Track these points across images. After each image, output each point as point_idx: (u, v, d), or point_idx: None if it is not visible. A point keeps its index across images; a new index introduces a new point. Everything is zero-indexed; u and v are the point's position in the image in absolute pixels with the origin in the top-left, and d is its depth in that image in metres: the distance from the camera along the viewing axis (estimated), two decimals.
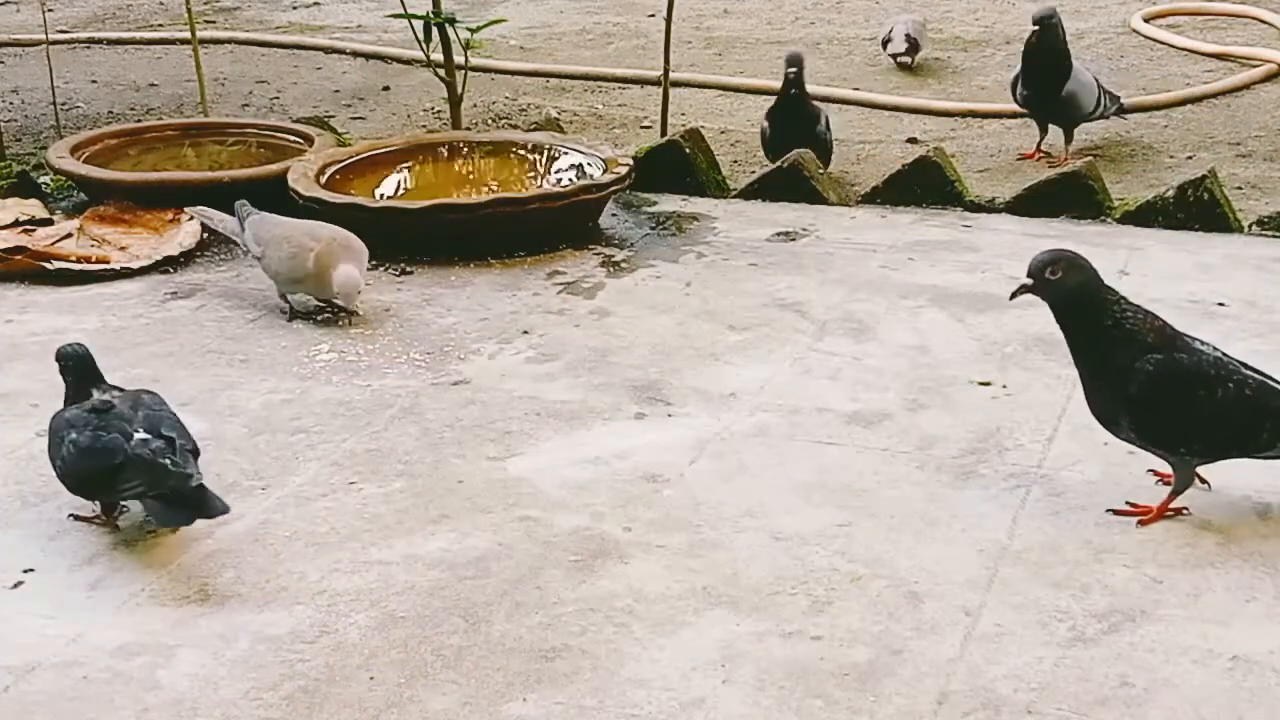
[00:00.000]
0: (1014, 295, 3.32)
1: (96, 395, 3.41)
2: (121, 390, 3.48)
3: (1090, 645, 2.90)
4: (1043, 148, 6.38)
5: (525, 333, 4.47)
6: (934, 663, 2.85)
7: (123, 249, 5.11)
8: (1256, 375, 3.31)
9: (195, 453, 3.35)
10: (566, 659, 2.88)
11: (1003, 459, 3.65)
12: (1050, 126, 6.41)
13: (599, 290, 4.82)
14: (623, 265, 5.04)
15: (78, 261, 5.01)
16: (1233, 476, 3.52)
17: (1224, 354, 3.36)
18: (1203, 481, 3.39)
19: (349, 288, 4.48)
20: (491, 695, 2.78)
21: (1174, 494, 3.33)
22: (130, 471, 3.22)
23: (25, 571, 3.23)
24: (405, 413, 3.95)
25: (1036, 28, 6.22)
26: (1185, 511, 3.34)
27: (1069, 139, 6.35)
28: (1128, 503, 3.39)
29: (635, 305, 4.67)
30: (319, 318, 4.60)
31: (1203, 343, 3.38)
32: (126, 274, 4.98)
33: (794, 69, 5.96)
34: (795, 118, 6.00)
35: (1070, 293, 3.26)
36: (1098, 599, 3.05)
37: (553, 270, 5.00)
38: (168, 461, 3.21)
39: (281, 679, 2.84)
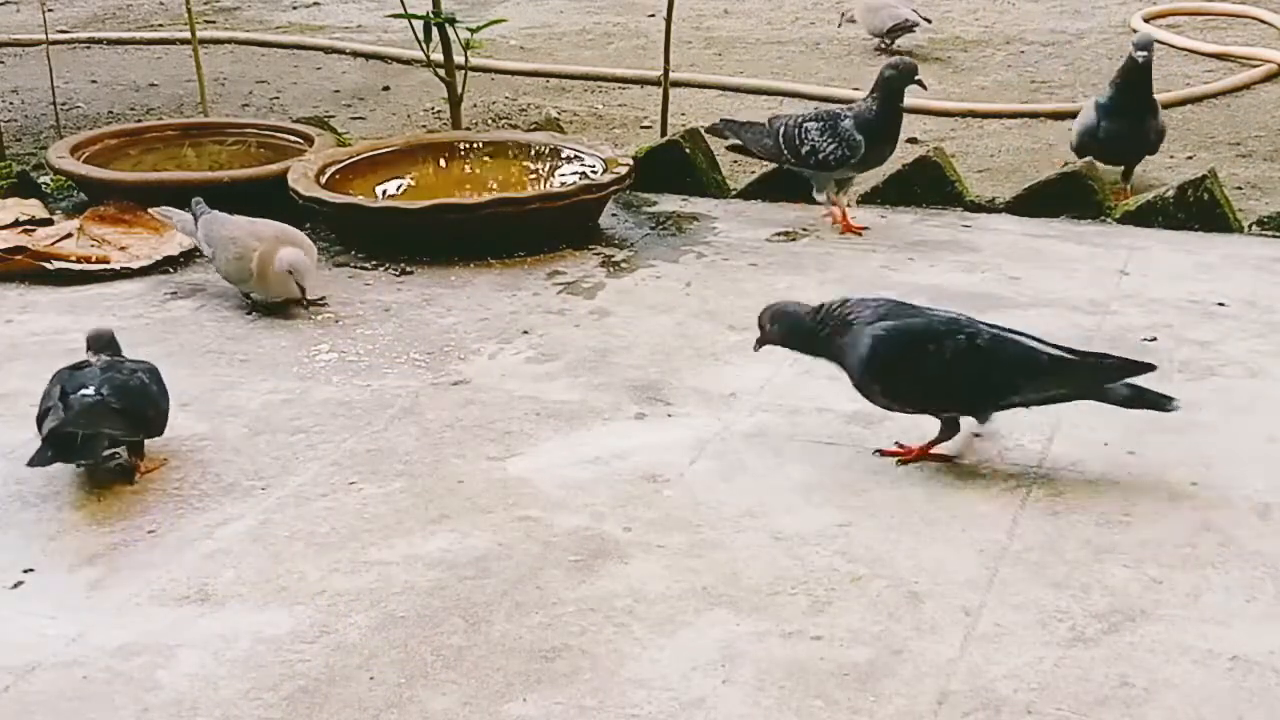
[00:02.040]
0: (756, 347, 3.76)
1: (92, 358, 3.71)
2: (124, 360, 3.72)
3: (1090, 645, 2.90)
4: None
5: (525, 333, 4.48)
6: (934, 663, 2.85)
7: (123, 249, 5.12)
8: (994, 330, 3.53)
9: (130, 413, 3.55)
10: (566, 659, 2.88)
11: (1003, 459, 3.64)
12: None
13: (599, 290, 4.82)
14: (623, 265, 5.04)
15: (78, 261, 5.01)
16: (1233, 476, 3.53)
17: (966, 317, 3.58)
18: (977, 434, 3.64)
19: (294, 265, 4.50)
20: (491, 695, 2.78)
21: (936, 441, 3.58)
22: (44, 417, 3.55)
23: (25, 571, 3.23)
24: (405, 413, 3.95)
25: (1144, 53, 5.72)
26: (958, 459, 3.58)
27: (1130, 175, 5.93)
28: (896, 443, 3.64)
29: (635, 305, 4.67)
30: (318, 318, 4.60)
31: (946, 311, 3.62)
32: (126, 274, 4.99)
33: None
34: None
35: (784, 335, 3.67)
36: (1098, 599, 3.05)
37: (553, 270, 5.00)
38: (61, 407, 3.48)
39: (281, 679, 2.84)
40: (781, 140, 5.31)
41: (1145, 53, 5.67)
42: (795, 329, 3.63)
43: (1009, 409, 3.59)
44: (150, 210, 5.19)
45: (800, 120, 5.30)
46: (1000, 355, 3.49)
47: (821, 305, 3.62)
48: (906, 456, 3.60)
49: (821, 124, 5.24)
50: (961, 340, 3.48)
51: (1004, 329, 3.57)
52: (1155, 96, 5.91)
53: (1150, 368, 3.52)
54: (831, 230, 5.32)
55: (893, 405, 3.60)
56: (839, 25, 8.74)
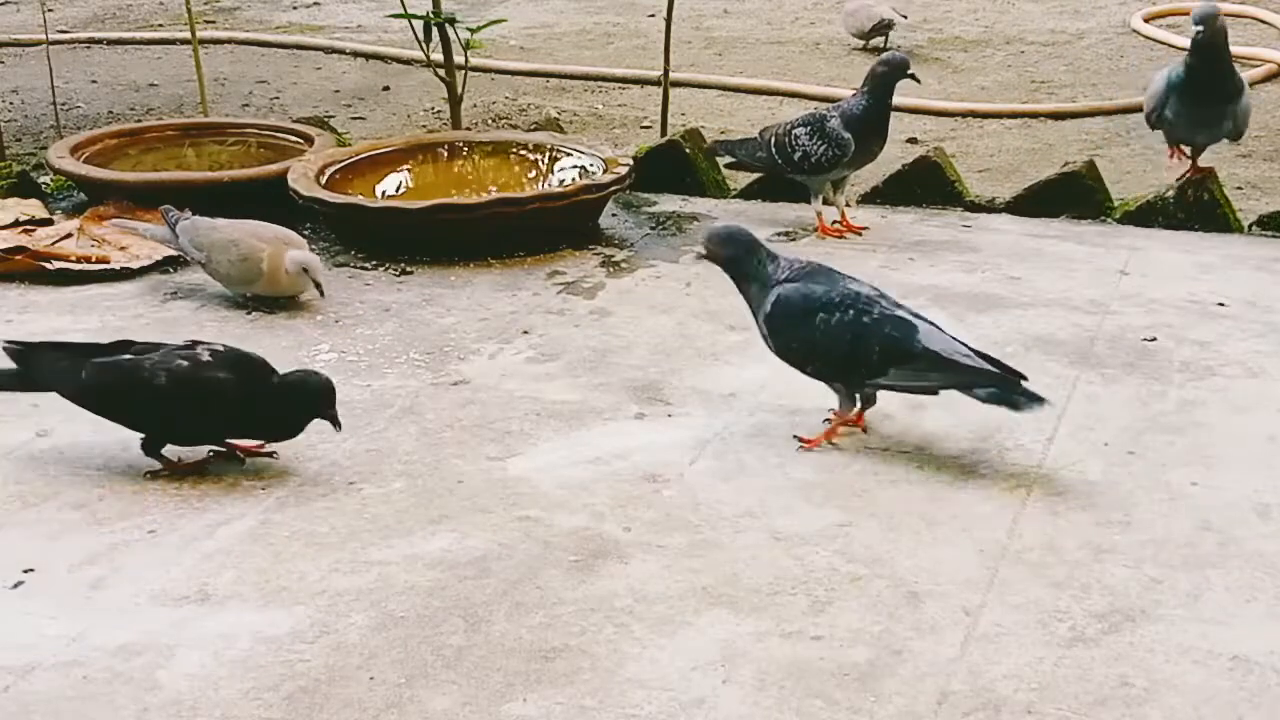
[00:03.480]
0: (699, 258, 3.86)
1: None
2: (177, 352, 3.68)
3: (1090, 645, 2.90)
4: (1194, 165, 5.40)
5: (525, 333, 4.48)
6: (934, 663, 2.85)
7: (123, 249, 5.11)
8: (890, 313, 3.64)
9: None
10: (566, 659, 2.88)
11: (1003, 459, 3.64)
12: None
13: (599, 290, 4.82)
14: (623, 265, 5.04)
15: (78, 261, 5.01)
16: (1233, 476, 3.53)
17: (875, 295, 3.69)
18: (860, 416, 3.77)
19: (308, 264, 4.57)
20: (491, 695, 2.78)
21: (838, 422, 3.73)
22: None
23: (25, 571, 3.23)
24: (405, 413, 3.95)
25: (1201, 28, 5.07)
26: (864, 431, 3.74)
27: (1198, 154, 5.44)
28: (795, 435, 3.74)
29: (635, 305, 4.67)
30: (318, 318, 4.60)
31: (860, 283, 3.73)
32: (126, 274, 4.99)
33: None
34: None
35: (726, 260, 3.79)
36: (1098, 599, 3.05)
37: (553, 270, 5.00)
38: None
39: (281, 679, 2.84)
40: (774, 150, 5.30)
41: (1202, 27, 5.06)
42: (737, 261, 3.78)
43: (886, 389, 3.70)
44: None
45: (789, 127, 5.29)
46: (876, 336, 3.61)
47: (761, 253, 3.75)
48: (809, 444, 3.71)
49: (809, 128, 5.23)
50: (849, 315, 3.63)
51: (909, 314, 3.67)
52: (1238, 76, 5.28)
53: (1021, 377, 3.58)
54: (818, 236, 5.31)
55: (783, 359, 3.78)
56: (864, 44, 8.63)
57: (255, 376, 3.60)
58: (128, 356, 3.64)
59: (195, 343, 3.69)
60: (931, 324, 3.69)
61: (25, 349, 3.70)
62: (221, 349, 3.66)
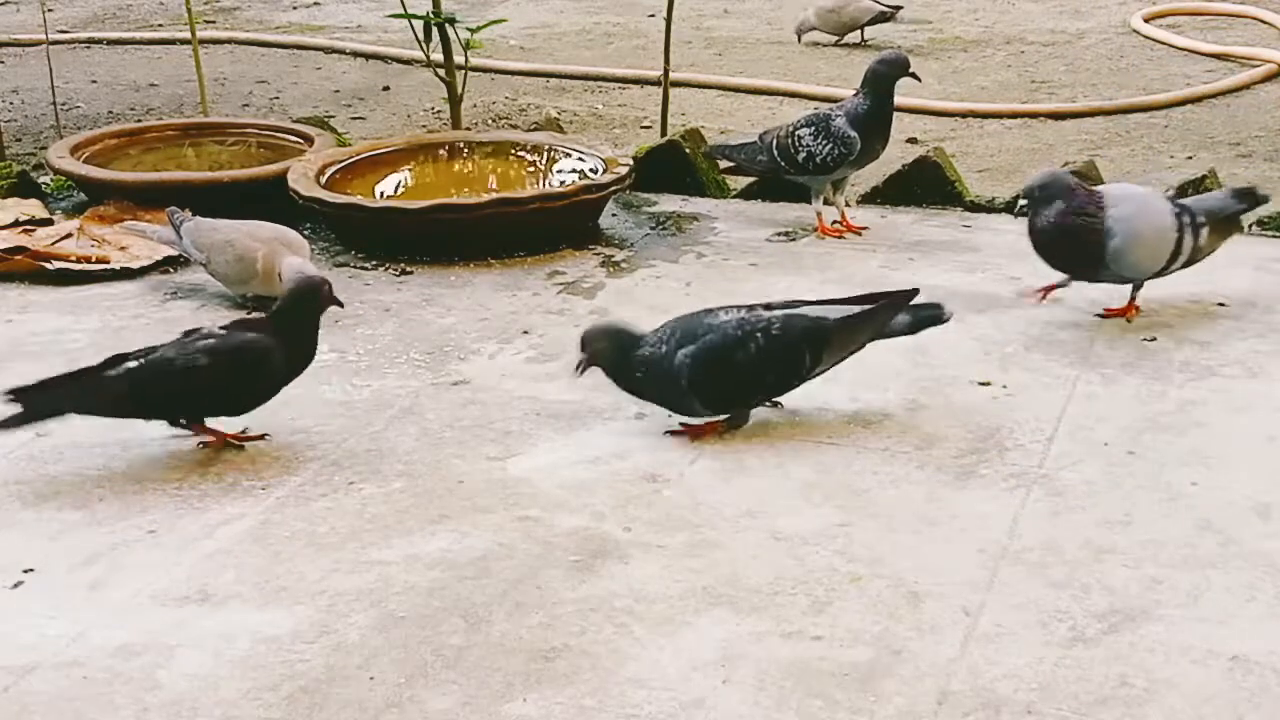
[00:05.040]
0: (577, 371, 3.80)
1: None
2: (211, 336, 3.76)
3: (1090, 645, 2.90)
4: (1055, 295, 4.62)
5: (525, 333, 4.48)
6: (934, 663, 2.85)
7: (123, 249, 5.11)
8: (780, 313, 3.76)
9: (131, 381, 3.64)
10: (566, 659, 2.88)
11: (1003, 459, 3.65)
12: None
13: (599, 290, 4.82)
14: (623, 265, 5.04)
15: (78, 261, 5.01)
16: (1233, 476, 3.53)
17: (746, 308, 3.80)
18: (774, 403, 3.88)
19: (304, 272, 4.52)
20: (491, 695, 2.78)
21: (730, 427, 3.79)
22: None
23: (25, 571, 3.23)
24: (405, 413, 3.95)
25: (1024, 201, 4.43)
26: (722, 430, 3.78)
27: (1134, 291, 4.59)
28: (681, 423, 3.80)
29: (635, 305, 4.67)
30: None
31: (726, 311, 3.80)
32: (126, 274, 4.99)
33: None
34: None
35: (605, 357, 3.77)
36: (1098, 599, 3.05)
37: (553, 270, 5.00)
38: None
39: (281, 679, 2.84)
40: (776, 152, 5.28)
41: (1024, 201, 4.44)
42: (623, 350, 3.75)
43: (820, 375, 3.83)
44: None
45: (791, 129, 5.27)
46: (797, 337, 3.73)
47: (636, 335, 3.76)
48: (694, 435, 3.77)
49: (813, 128, 5.22)
50: (761, 338, 3.71)
51: (787, 309, 3.79)
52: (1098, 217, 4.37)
53: (914, 293, 3.82)
54: (817, 236, 5.31)
55: (711, 412, 3.79)
56: (799, 40, 8.77)
57: (267, 330, 3.75)
58: (150, 358, 3.68)
59: (190, 331, 3.78)
60: (809, 302, 3.85)
61: (28, 390, 3.64)
62: (222, 330, 3.75)
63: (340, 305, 3.88)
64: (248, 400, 3.74)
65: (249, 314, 4.63)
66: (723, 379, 3.73)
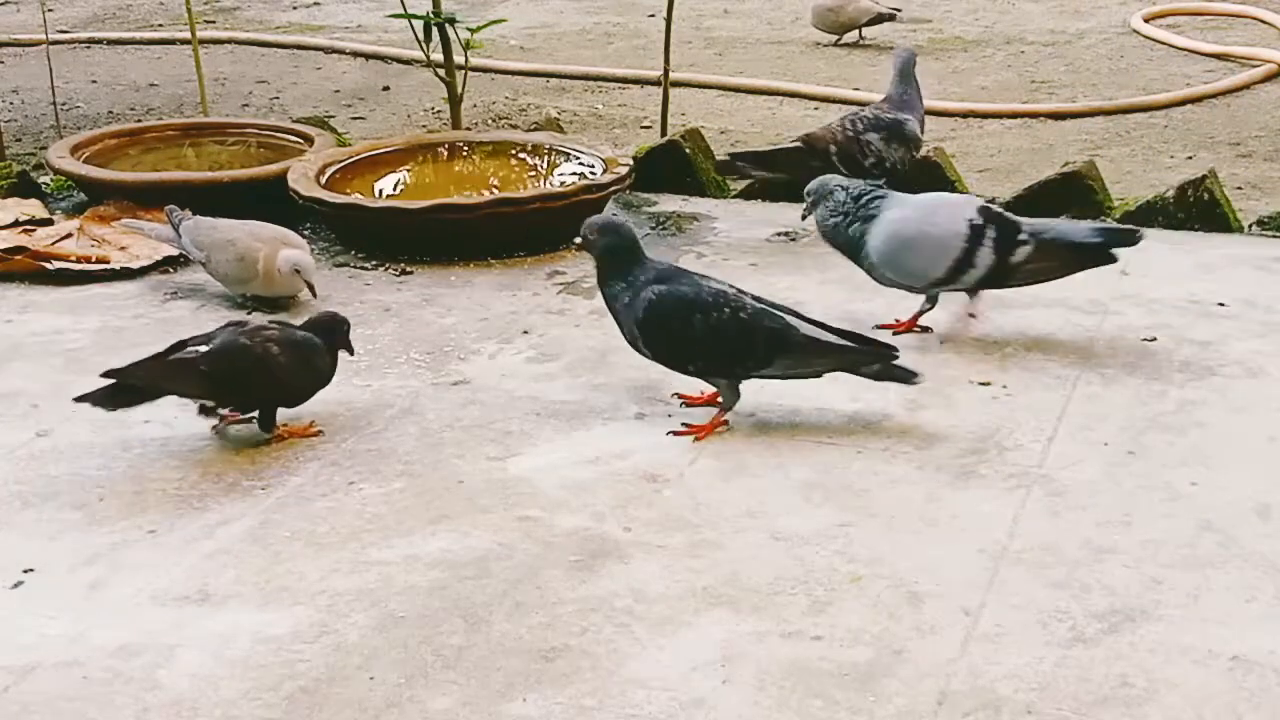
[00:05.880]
0: (577, 247, 3.95)
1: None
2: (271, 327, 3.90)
3: (1090, 645, 2.90)
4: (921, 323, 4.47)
5: (525, 333, 4.48)
6: (934, 663, 2.85)
7: (123, 249, 5.11)
8: (758, 304, 3.80)
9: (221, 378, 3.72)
10: (566, 659, 2.88)
11: (1003, 459, 3.64)
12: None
13: (599, 290, 4.81)
14: None
15: (78, 261, 5.01)
16: (1233, 476, 3.53)
17: (735, 290, 3.83)
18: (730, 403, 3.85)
19: (300, 264, 4.57)
20: (491, 695, 2.78)
21: (723, 410, 3.82)
22: None
23: (25, 571, 3.23)
24: (405, 413, 3.95)
25: (805, 205, 4.48)
26: (727, 425, 3.81)
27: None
28: (683, 424, 3.82)
29: None
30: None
31: (719, 282, 3.87)
32: (126, 274, 4.98)
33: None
34: None
35: (601, 249, 3.86)
36: (1098, 599, 3.05)
37: (553, 270, 5.00)
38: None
39: (281, 679, 2.84)
40: (836, 159, 5.16)
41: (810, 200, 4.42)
42: (613, 252, 3.86)
43: (765, 378, 3.83)
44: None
45: (855, 134, 5.19)
46: (759, 328, 3.75)
47: (638, 252, 3.86)
48: (699, 435, 3.78)
49: (883, 133, 5.20)
50: (725, 313, 3.75)
51: (769, 305, 3.82)
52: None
53: (893, 352, 3.82)
54: None
55: (658, 360, 3.88)
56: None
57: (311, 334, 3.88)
58: (234, 339, 3.76)
59: (238, 323, 3.89)
60: (794, 313, 3.85)
61: (123, 371, 3.71)
62: (276, 324, 3.92)
63: (351, 354, 3.95)
64: (309, 391, 3.85)
65: (248, 314, 4.64)
66: (672, 329, 3.78)
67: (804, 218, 4.53)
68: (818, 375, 3.85)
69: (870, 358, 3.82)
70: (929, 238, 4.27)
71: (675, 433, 3.80)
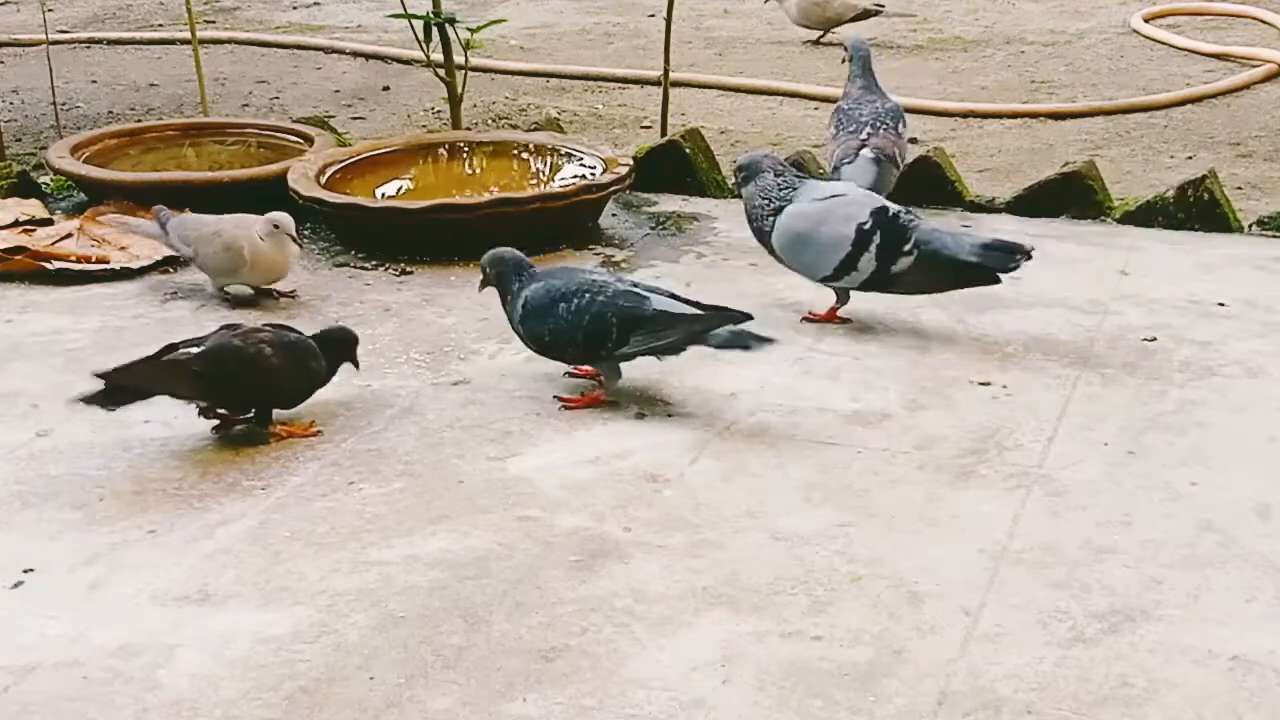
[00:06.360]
0: (480, 288, 4.17)
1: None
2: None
3: (1090, 645, 2.90)
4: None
5: None
6: (934, 663, 2.85)
7: (123, 249, 5.11)
8: (622, 289, 3.94)
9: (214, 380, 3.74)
10: (566, 659, 2.88)
11: (1003, 459, 3.65)
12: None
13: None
14: (623, 265, 5.04)
15: (78, 261, 5.01)
16: (1233, 476, 3.53)
17: (615, 279, 4.01)
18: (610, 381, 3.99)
19: (279, 220, 4.59)
20: (491, 695, 2.78)
21: (603, 389, 4.00)
22: None
23: (25, 571, 3.23)
24: (405, 413, 3.95)
25: (734, 181, 4.73)
26: (604, 398, 3.96)
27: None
28: (554, 395, 4.01)
29: None
30: (318, 318, 4.59)
31: (604, 275, 4.07)
32: (126, 274, 4.98)
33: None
34: None
35: (495, 277, 4.10)
36: (1098, 599, 3.05)
37: None
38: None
39: (281, 679, 2.84)
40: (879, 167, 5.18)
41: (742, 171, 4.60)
42: (504, 278, 4.07)
43: (631, 357, 3.95)
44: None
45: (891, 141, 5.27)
46: (610, 309, 3.89)
47: (523, 269, 4.05)
48: (573, 405, 3.96)
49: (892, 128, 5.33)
50: (584, 299, 3.91)
51: (641, 288, 3.96)
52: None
53: (747, 317, 3.89)
54: None
55: (539, 352, 4.06)
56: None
57: (309, 339, 3.92)
58: (226, 341, 3.78)
59: (232, 325, 3.90)
60: (665, 293, 3.97)
61: (114, 372, 3.72)
62: (272, 327, 3.92)
63: (357, 367, 3.99)
64: (304, 393, 3.88)
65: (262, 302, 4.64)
66: (541, 324, 3.96)
67: (737, 191, 4.67)
68: (677, 351, 3.94)
69: (717, 321, 3.89)
70: (819, 236, 4.38)
71: (561, 400, 3.99)
